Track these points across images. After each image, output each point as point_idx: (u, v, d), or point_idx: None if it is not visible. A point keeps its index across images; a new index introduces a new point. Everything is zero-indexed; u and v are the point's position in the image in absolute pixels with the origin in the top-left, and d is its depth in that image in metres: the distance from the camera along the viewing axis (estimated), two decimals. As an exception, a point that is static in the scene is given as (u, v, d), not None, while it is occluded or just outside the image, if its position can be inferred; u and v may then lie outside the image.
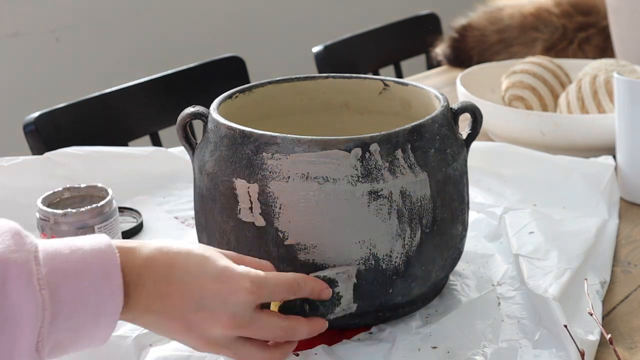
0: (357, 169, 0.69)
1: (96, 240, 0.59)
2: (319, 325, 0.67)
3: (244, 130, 0.72)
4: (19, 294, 0.54)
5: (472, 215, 0.93)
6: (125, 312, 0.60)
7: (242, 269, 0.63)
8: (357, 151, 0.69)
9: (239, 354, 0.64)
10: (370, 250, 0.71)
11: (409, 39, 1.91)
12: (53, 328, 0.56)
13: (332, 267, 0.71)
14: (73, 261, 0.57)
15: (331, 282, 0.68)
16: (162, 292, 0.60)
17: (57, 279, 0.56)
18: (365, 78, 0.88)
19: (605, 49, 1.52)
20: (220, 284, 0.61)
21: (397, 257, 0.72)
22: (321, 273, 0.69)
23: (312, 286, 0.66)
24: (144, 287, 0.60)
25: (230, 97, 0.82)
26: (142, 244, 0.62)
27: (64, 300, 0.56)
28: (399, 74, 1.87)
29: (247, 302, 0.62)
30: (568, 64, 1.37)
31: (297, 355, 0.71)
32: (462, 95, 1.24)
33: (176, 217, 0.99)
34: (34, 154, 1.19)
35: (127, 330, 0.72)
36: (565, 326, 0.68)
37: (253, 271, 0.63)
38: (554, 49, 1.54)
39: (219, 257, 0.64)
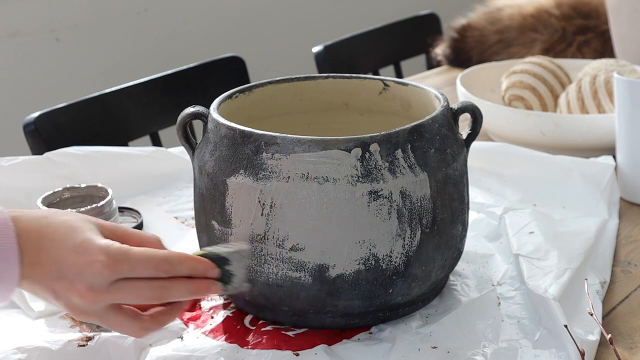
0: (357, 169, 0.69)
1: None
2: (203, 284, 0.66)
3: (244, 130, 0.72)
4: None
5: (472, 215, 0.93)
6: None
7: (103, 242, 0.64)
8: (357, 151, 0.69)
9: (109, 322, 0.65)
10: (370, 250, 0.71)
11: (409, 39, 1.91)
12: None
13: (225, 244, 0.71)
14: None
15: (222, 260, 0.67)
16: (32, 260, 0.63)
17: None
18: (365, 78, 0.88)
19: (603, 53, 1.52)
20: (77, 255, 0.63)
21: (397, 257, 0.72)
22: (214, 250, 0.68)
23: (191, 266, 0.65)
24: (22, 254, 0.62)
25: (230, 97, 0.82)
26: (27, 213, 0.65)
27: None
28: (399, 74, 1.87)
29: (102, 274, 0.62)
30: (568, 64, 1.37)
31: (297, 355, 0.71)
32: (462, 95, 1.24)
33: (176, 217, 0.99)
34: (34, 154, 1.19)
35: (127, 330, 0.72)
36: (565, 326, 0.68)
37: (115, 245, 0.64)
38: (553, 51, 1.54)
39: (87, 229, 0.65)
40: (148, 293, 0.64)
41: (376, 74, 1.81)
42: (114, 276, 0.63)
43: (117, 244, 0.64)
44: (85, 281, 0.62)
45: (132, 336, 0.69)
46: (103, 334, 0.72)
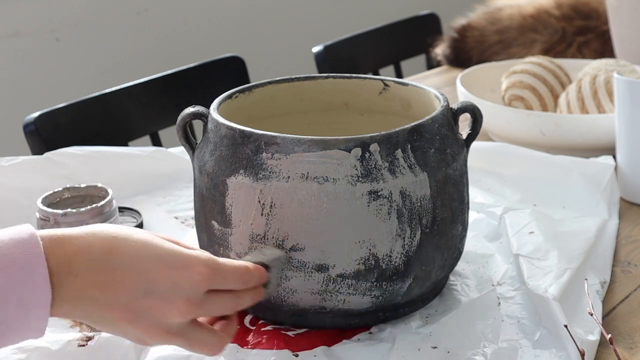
0: (357, 169, 0.69)
1: (17, 230, 0.55)
2: (259, 291, 0.65)
3: (244, 130, 0.72)
4: None
5: (472, 215, 0.93)
6: (59, 304, 0.55)
7: (194, 252, 0.60)
8: (357, 151, 0.69)
9: (191, 340, 0.60)
10: (370, 250, 0.71)
11: (409, 39, 1.91)
12: None
13: (260, 250, 0.70)
14: None
15: (265, 268, 0.67)
16: (100, 280, 0.56)
17: None
18: (365, 78, 0.88)
19: (603, 53, 1.52)
20: (169, 268, 0.58)
21: (397, 257, 0.72)
22: (256, 258, 0.67)
23: (260, 276, 0.64)
24: (77, 276, 0.56)
25: (230, 97, 0.82)
26: (73, 231, 0.58)
27: None
28: (399, 74, 1.87)
29: (200, 286, 0.59)
30: (568, 64, 1.37)
31: (297, 356, 0.71)
32: (462, 95, 1.24)
33: (176, 217, 0.99)
34: (34, 154, 1.19)
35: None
36: (566, 326, 0.68)
37: (205, 255, 0.61)
38: (553, 52, 1.54)
39: (163, 241, 0.60)
40: (231, 304, 0.62)
41: (376, 74, 1.81)
42: (208, 288, 0.60)
43: (206, 254, 0.61)
44: (182, 295, 0.58)
45: (210, 354, 0.63)
46: (103, 334, 0.72)
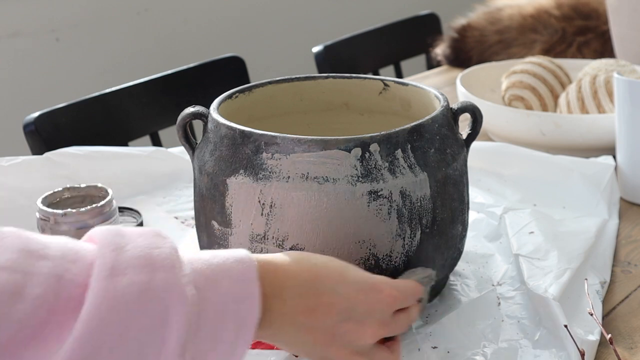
0: (357, 169, 0.69)
1: (234, 250, 0.57)
2: (419, 308, 0.68)
3: (244, 130, 0.72)
4: (166, 289, 0.51)
5: (472, 215, 0.93)
6: (264, 327, 0.57)
7: (378, 277, 0.64)
8: (357, 151, 0.69)
9: (375, 359, 0.63)
10: (370, 250, 0.71)
11: (409, 39, 1.91)
12: (197, 333, 0.52)
13: (412, 270, 0.72)
14: (214, 265, 0.55)
15: None
16: (309, 305, 0.59)
17: (199, 281, 0.53)
18: (365, 78, 0.88)
19: (603, 53, 1.52)
20: (365, 293, 0.61)
21: (397, 257, 0.72)
22: (411, 277, 0.71)
23: (421, 292, 0.68)
24: (286, 301, 0.58)
25: (230, 97, 0.82)
26: (277, 257, 0.60)
27: (206, 304, 0.53)
28: (399, 74, 1.87)
29: (391, 309, 0.63)
30: (568, 64, 1.37)
31: (297, 356, 0.71)
32: (462, 95, 1.24)
33: (176, 217, 0.99)
34: (34, 154, 1.19)
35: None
36: (566, 326, 0.68)
37: (387, 278, 0.64)
38: (553, 52, 1.54)
39: (355, 267, 0.64)
40: (406, 321, 0.65)
41: (376, 74, 1.81)
42: (395, 309, 0.63)
43: (385, 277, 0.65)
44: (375, 317, 0.61)
45: None
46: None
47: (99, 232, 0.54)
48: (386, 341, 0.66)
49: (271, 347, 0.72)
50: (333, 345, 0.61)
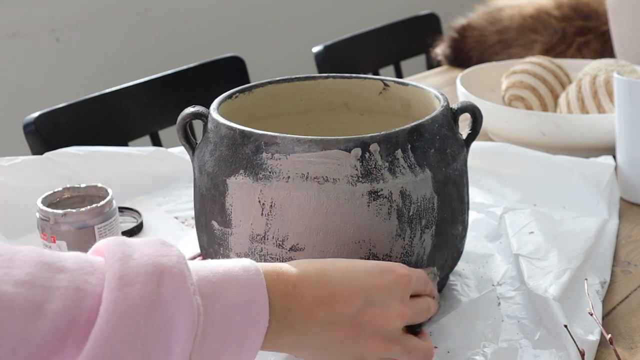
0: (357, 169, 0.69)
1: (241, 260, 0.58)
2: (435, 301, 0.68)
3: (244, 130, 0.72)
4: (174, 298, 0.51)
5: (472, 215, 0.93)
6: (286, 332, 0.57)
7: (388, 262, 0.63)
8: (357, 151, 0.69)
9: (408, 346, 0.62)
10: (370, 250, 0.71)
11: (409, 39, 1.91)
12: (203, 342, 0.52)
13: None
14: (220, 274, 0.55)
15: None
16: (325, 298, 0.58)
17: (205, 289, 0.53)
18: (365, 78, 0.88)
19: (603, 54, 1.52)
20: (378, 276, 0.60)
21: (397, 257, 0.72)
22: None
23: (431, 284, 0.67)
24: (303, 299, 0.58)
25: (230, 97, 0.82)
26: (281, 264, 0.60)
27: (213, 311, 0.53)
28: (399, 74, 1.87)
29: (408, 288, 0.62)
30: (568, 64, 1.37)
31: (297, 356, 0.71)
32: (462, 95, 1.24)
33: (176, 217, 0.99)
34: (34, 154, 1.19)
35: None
36: (566, 326, 0.68)
37: (394, 262, 0.64)
38: (553, 52, 1.54)
39: (360, 259, 0.64)
40: (426, 307, 0.64)
41: (376, 74, 1.81)
42: (412, 290, 0.62)
43: (391, 262, 0.65)
44: (397, 298, 0.60)
45: None
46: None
47: (104, 243, 0.54)
48: (414, 334, 0.65)
49: (271, 347, 0.72)
50: (362, 336, 0.59)
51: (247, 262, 0.57)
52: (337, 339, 0.59)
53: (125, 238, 0.55)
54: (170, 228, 0.96)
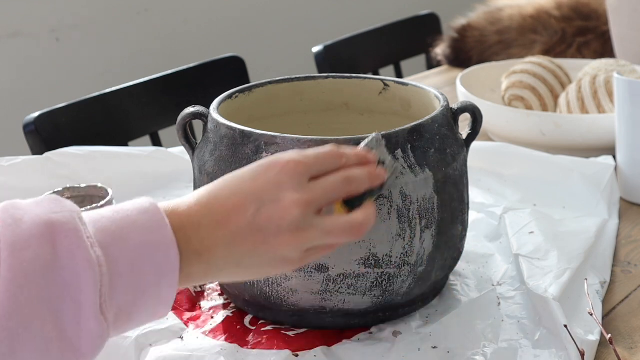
0: (357, 169, 0.69)
1: (138, 202, 0.57)
2: (373, 168, 0.61)
3: (244, 130, 0.72)
4: (71, 254, 0.51)
5: (472, 215, 0.93)
6: (194, 262, 0.56)
7: (273, 156, 0.60)
8: (357, 151, 0.69)
9: (326, 227, 0.58)
10: (370, 250, 0.71)
11: (409, 39, 1.91)
12: (112, 290, 0.52)
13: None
14: (118, 220, 0.54)
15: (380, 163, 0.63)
16: (219, 218, 0.56)
17: (105, 239, 0.53)
18: (365, 78, 0.88)
19: (603, 54, 1.52)
20: (263, 174, 0.58)
21: (397, 257, 0.72)
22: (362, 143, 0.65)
23: (355, 152, 0.61)
24: (200, 226, 0.56)
25: (230, 97, 0.82)
26: (176, 200, 0.59)
27: (117, 260, 0.53)
28: (399, 74, 1.87)
29: (297, 173, 0.58)
30: (568, 64, 1.37)
31: (297, 356, 0.71)
32: (462, 95, 1.24)
33: (176, 217, 0.99)
34: (34, 154, 1.19)
35: (127, 330, 0.72)
36: (565, 326, 0.68)
37: (288, 152, 0.60)
38: (553, 52, 1.54)
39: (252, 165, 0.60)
40: (340, 185, 0.59)
41: (376, 74, 1.81)
42: (308, 173, 0.58)
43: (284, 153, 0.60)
44: (288, 188, 0.57)
45: (355, 237, 0.59)
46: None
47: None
48: (353, 210, 0.60)
49: (271, 347, 0.73)
50: (269, 239, 0.57)
51: (145, 203, 0.57)
52: (246, 250, 0.57)
53: (16, 201, 0.55)
54: (170, 228, 0.96)
